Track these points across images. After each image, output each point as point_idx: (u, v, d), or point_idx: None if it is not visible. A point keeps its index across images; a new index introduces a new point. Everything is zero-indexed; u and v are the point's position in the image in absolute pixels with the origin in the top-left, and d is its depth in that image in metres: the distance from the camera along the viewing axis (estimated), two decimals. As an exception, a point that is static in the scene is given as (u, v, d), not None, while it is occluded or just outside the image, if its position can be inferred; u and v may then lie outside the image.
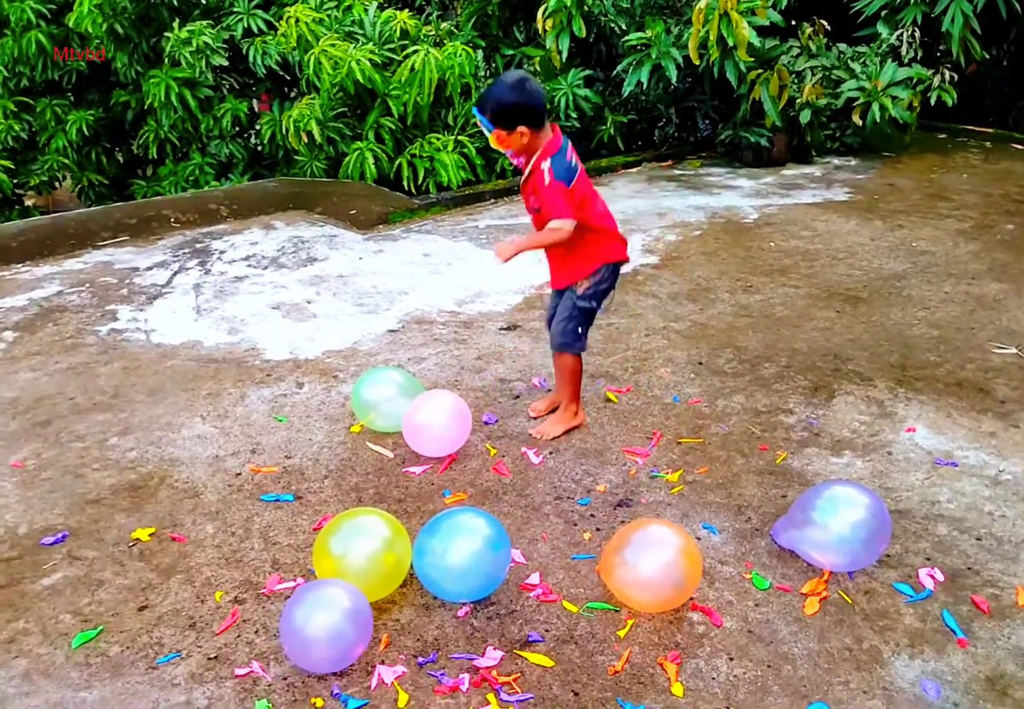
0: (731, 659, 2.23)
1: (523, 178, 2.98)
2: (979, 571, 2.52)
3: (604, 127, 7.20)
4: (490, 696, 2.12)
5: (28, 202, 8.62)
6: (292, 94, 7.97)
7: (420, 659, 2.24)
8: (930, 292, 4.53)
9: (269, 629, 2.34)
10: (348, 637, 2.16)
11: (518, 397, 3.54)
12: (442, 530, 2.40)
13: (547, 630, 2.34)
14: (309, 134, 6.53)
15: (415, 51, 6.42)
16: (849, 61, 6.91)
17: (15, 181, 8.04)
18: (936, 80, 6.92)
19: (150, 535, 2.73)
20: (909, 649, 2.26)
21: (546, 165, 2.85)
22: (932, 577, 2.50)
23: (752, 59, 6.39)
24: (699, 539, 2.68)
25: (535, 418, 3.37)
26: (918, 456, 3.08)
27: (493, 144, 2.90)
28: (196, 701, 2.12)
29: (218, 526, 2.77)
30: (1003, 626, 2.33)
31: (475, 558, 2.35)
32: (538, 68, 7.26)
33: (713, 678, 2.18)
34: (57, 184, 8.42)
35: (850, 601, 2.42)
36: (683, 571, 2.33)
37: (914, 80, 6.79)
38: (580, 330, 3.17)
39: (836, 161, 7.25)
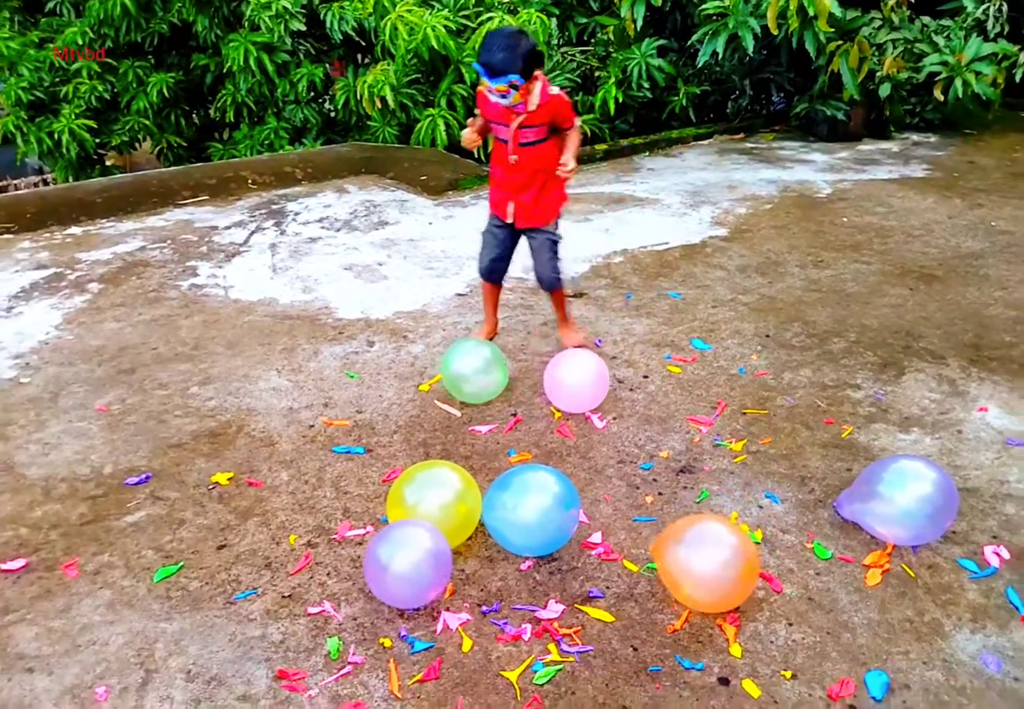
0: (790, 624, 2.26)
1: (517, 120, 3.07)
2: (1047, 551, 2.50)
3: (676, 98, 7.13)
4: (551, 646, 2.19)
5: (108, 162, 8.87)
6: (366, 60, 8.03)
7: (484, 608, 2.31)
8: (1008, 272, 4.42)
9: (340, 572, 2.44)
10: (429, 575, 2.25)
11: (584, 363, 3.58)
12: (514, 485, 2.46)
13: (607, 587, 2.39)
14: (383, 100, 6.59)
15: (489, 18, 6.42)
16: (932, 34, 6.71)
17: (97, 140, 8.27)
18: (1022, 56, 6.67)
19: (228, 479, 2.85)
20: (971, 623, 2.26)
21: (554, 89, 3.10)
22: (998, 555, 2.48)
23: (832, 30, 6.25)
24: (761, 508, 2.70)
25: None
26: (989, 435, 3.04)
27: (514, 101, 2.97)
28: (270, 635, 2.23)
29: (292, 474, 2.88)
30: (1069, 606, 2.31)
31: (545, 515, 2.40)
32: (612, 37, 7.20)
33: (771, 641, 2.21)
34: (137, 145, 8.64)
35: (913, 575, 2.42)
36: (738, 574, 2.23)
37: (999, 56, 6.57)
38: (561, 264, 3.44)
39: (915, 137, 7.06)
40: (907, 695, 2.04)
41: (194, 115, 8.90)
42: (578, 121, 3.19)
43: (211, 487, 2.82)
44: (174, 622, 2.28)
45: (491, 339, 3.66)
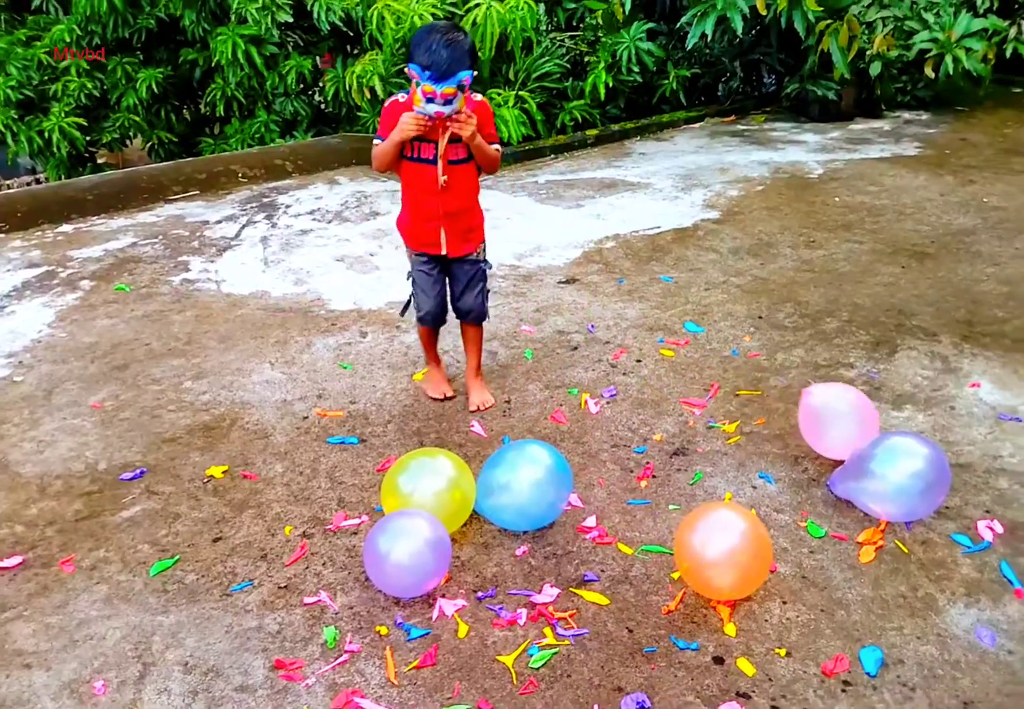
0: (784, 602, 2.27)
1: (447, 134, 2.66)
2: (1040, 524, 2.51)
3: (667, 81, 7.10)
4: (547, 630, 2.20)
5: (100, 159, 8.84)
6: (355, 51, 8.00)
7: (479, 594, 2.32)
8: (1000, 248, 4.41)
9: (336, 562, 2.45)
10: (430, 564, 2.26)
11: (576, 348, 3.58)
12: (506, 460, 2.48)
13: (602, 570, 2.40)
14: (372, 90, 6.57)
15: (477, 5, 6.39)
16: (922, 11, 6.68)
17: (88, 138, 8.25)
18: (1013, 32, 6.65)
19: (223, 472, 2.86)
20: (965, 598, 2.26)
21: (477, 95, 2.78)
22: (991, 529, 2.48)
23: (821, 9, 6.22)
24: (755, 488, 2.71)
25: (448, 398, 3.21)
26: (981, 411, 3.04)
27: (460, 107, 2.58)
28: (267, 626, 2.24)
29: (287, 465, 2.89)
30: (1062, 578, 2.32)
31: (537, 486, 2.43)
32: (600, 21, 7.17)
33: (766, 620, 2.22)
34: (128, 142, 8.62)
35: (906, 550, 2.43)
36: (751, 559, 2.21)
37: (989, 31, 6.54)
38: (487, 295, 3.10)
39: (907, 115, 7.04)
40: (901, 670, 2.05)
41: (184, 110, 8.87)
42: (498, 147, 2.83)
43: (206, 480, 2.83)
44: (171, 615, 2.29)
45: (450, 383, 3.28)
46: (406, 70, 2.57)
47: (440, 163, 2.72)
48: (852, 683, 2.02)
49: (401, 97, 2.73)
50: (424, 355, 3.32)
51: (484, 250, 3.02)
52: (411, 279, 3.05)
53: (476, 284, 3.03)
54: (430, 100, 2.52)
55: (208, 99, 8.05)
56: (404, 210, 2.94)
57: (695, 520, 2.28)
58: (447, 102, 2.53)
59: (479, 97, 2.78)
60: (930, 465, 2.44)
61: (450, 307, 3.11)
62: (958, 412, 3.05)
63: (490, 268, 3.07)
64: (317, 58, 7.99)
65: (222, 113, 7.99)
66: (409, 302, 3.13)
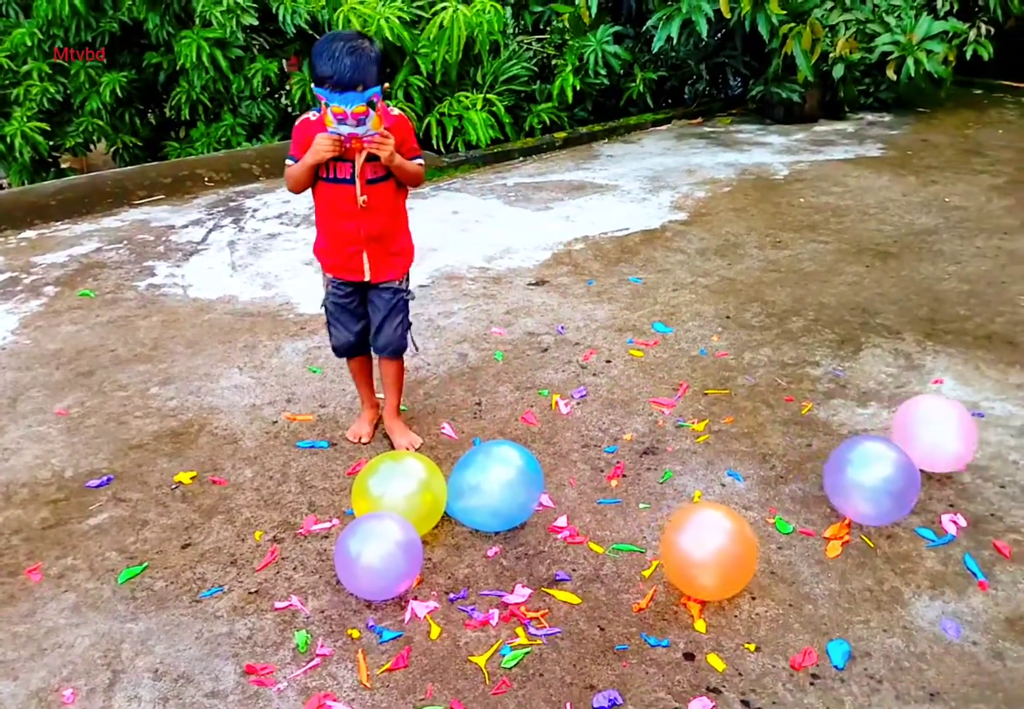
0: (753, 598, 2.29)
1: (365, 153, 2.46)
2: (1002, 517, 2.56)
3: (633, 84, 7.15)
4: (519, 630, 2.21)
5: (64, 164, 8.72)
6: (321, 54, 7.96)
7: (451, 595, 2.32)
8: (961, 247, 4.49)
9: (307, 566, 2.44)
10: (401, 567, 2.25)
11: (546, 350, 3.60)
12: (476, 461, 2.50)
13: (574, 569, 2.41)
14: (338, 93, 6.53)
15: (443, 8, 6.38)
16: (884, 14, 6.78)
17: (51, 143, 8.13)
18: (972, 34, 6.78)
19: (192, 478, 2.83)
20: (930, 591, 2.30)
21: (394, 109, 2.56)
22: (955, 523, 2.53)
23: (784, 12, 6.29)
24: (723, 486, 2.73)
25: (363, 443, 3.00)
26: (944, 407, 3.09)
27: (373, 127, 2.36)
28: (238, 632, 2.23)
29: (256, 470, 2.87)
30: (1024, 570, 2.37)
31: (508, 486, 2.45)
32: (567, 24, 7.20)
33: (735, 616, 2.24)
34: (92, 146, 8.50)
35: (872, 545, 2.47)
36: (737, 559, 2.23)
37: (950, 34, 6.66)
38: (408, 327, 2.87)
39: (869, 117, 7.14)
40: (868, 662, 2.08)
41: (149, 114, 8.77)
42: (421, 161, 2.65)
43: (174, 487, 2.80)
44: (140, 622, 2.26)
45: (376, 422, 3.05)
46: (320, 102, 2.34)
47: (358, 183, 2.52)
48: (820, 676, 2.05)
49: (312, 115, 2.50)
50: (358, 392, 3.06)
51: (408, 280, 2.81)
52: (324, 308, 2.83)
53: (396, 315, 2.78)
54: (341, 121, 2.31)
55: (173, 103, 7.96)
56: (321, 234, 2.72)
57: (685, 519, 2.28)
58: (359, 122, 2.32)
59: (396, 111, 2.57)
60: (900, 470, 2.45)
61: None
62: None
63: (412, 299, 2.83)
64: (283, 61, 7.94)
65: (187, 117, 7.91)
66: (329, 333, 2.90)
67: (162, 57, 7.91)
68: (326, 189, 2.58)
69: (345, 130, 2.34)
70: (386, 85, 2.38)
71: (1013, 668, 2.06)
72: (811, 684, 2.02)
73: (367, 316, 2.82)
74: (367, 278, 2.70)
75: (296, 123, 2.55)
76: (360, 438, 3.00)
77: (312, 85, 2.35)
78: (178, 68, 7.59)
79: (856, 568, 2.38)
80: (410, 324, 2.87)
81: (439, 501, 2.51)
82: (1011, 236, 4.60)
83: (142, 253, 4.67)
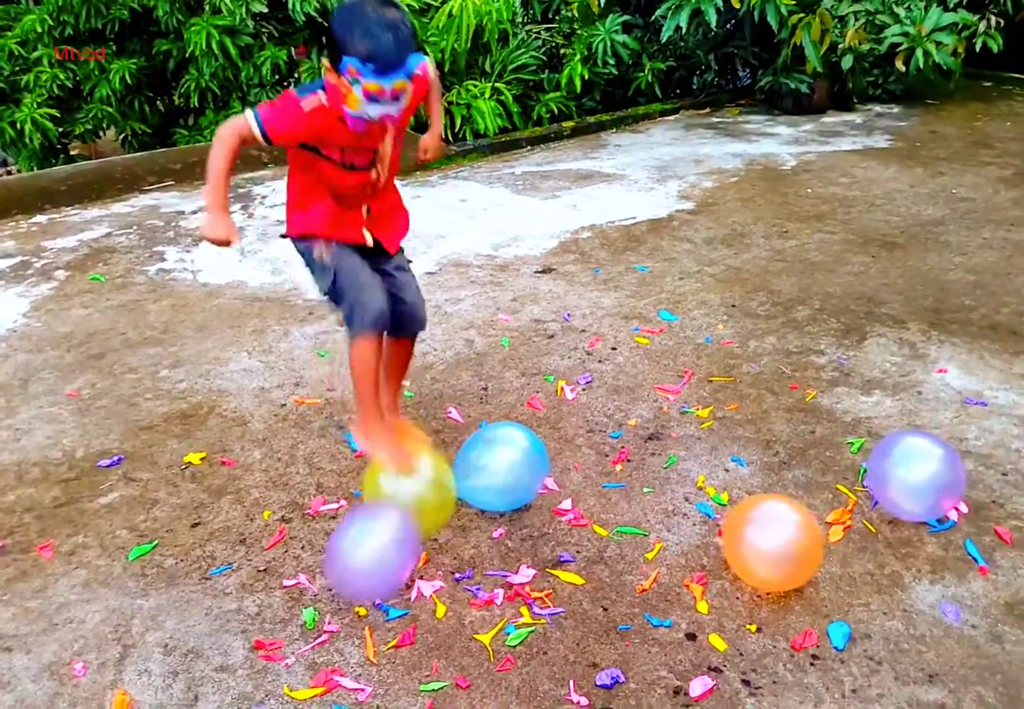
0: (755, 580, 2.32)
1: (390, 134, 2.26)
2: (1003, 504, 2.57)
3: (642, 74, 7.14)
4: (523, 609, 2.24)
5: (72, 151, 8.74)
6: (330, 42, 7.96)
7: (457, 575, 2.35)
8: (968, 238, 4.50)
9: (315, 545, 2.47)
10: (394, 565, 2.21)
11: (552, 336, 3.62)
12: (482, 442, 2.53)
13: (578, 551, 2.44)
14: (347, 81, 6.55)
15: (453, -4, 6.38)
16: (893, 5, 6.75)
17: (60, 130, 8.15)
18: (982, 26, 6.76)
19: (201, 459, 2.87)
20: (930, 575, 2.33)
21: (420, 57, 2.25)
22: (956, 509, 2.55)
23: (793, 3, 6.28)
24: (727, 471, 2.76)
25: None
26: (948, 396, 3.11)
27: (405, 103, 2.09)
28: (247, 608, 2.26)
29: (265, 452, 2.90)
30: (1024, 555, 2.39)
31: (514, 466, 2.48)
32: (576, 13, 7.19)
33: (737, 598, 2.27)
34: (101, 133, 8.52)
35: (874, 530, 2.49)
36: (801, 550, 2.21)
37: (959, 25, 6.64)
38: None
39: (878, 108, 7.13)
40: (868, 644, 2.11)
41: (158, 102, 8.78)
42: (434, 70, 2.38)
43: (184, 467, 2.84)
44: (150, 598, 2.30)
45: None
46: (324, 71, 2.05)
47: (382, 165, 2.29)
48: (820, 657, 2.07)
49: (316, 99, 2.08)
50: (359, 396, 2.44)
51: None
52: (334, 291, 2.33)
53: (415, 283, 2.50)
54: (374, 100, 1.99)
55: (182, 90, 7.97)
56: (312, 211, 2.29)
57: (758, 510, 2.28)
58: (396, 99, 2.01)
59: (421, 61, 2.26)
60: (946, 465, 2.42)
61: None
62: (925, 397, 3.12)
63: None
64: (292, 49, 7.95)
65: (196, 104, 7.91)
66: (332, 283, 2.34)
67: (171, 44, 7.92)
68: (331, 173, 2.23)
69: (375, 111, 2.02)
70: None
71: (1012, 651, 2.08)
72: (811, 664, 2.05)
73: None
74: (370, 243, 2.38)
75: (296, 98, 2.10)
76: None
77: (329, 59, 2.01)
78: (187, 55, 7.60)
79: (858, 552, 2.40)
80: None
81: (449, 499, 2.49)
82: (1018, 227, 4.60)
83: (152, 238, 4.70)
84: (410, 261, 2.59)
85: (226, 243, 2.18)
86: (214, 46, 7.22)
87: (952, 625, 2.16)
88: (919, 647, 2.10)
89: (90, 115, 8.08)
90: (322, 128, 2.11)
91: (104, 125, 8.38)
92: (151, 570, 2.40)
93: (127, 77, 7.88)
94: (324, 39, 2.04)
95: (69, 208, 5.17)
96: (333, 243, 2.33)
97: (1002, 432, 2.90)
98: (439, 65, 6.60)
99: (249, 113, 2.10)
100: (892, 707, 1.94)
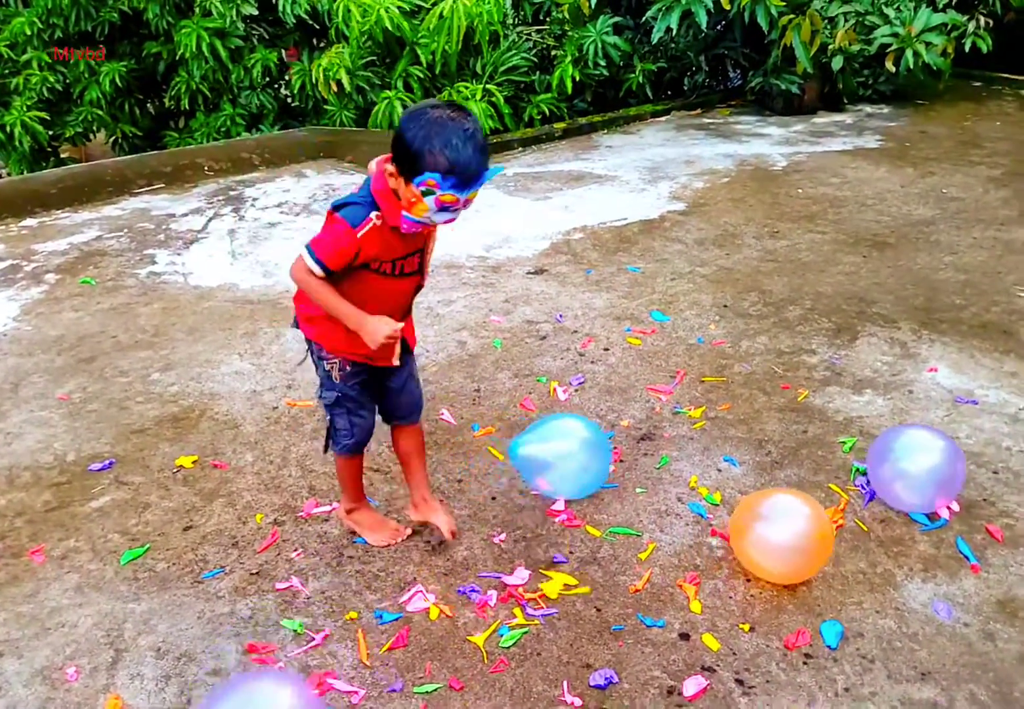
0: (748, 580, 2.32)
1: (433, 241, 2.20)
2: (995, 502, 2.58)
3: (633, 75, 7.16)
4: (516, 610, 2.24)
5: (62, 154, 8.73)
6: (321, 44, 7.97)
7: (450, 578, 2.35)
8: (958, 237, 4.52)
9: (307, 548, 2.47)
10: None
11: (544, 337, 3.62)
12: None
13: (571, 552, 2.44)
14: (339, 83, 6.55)
15: (443, -2, 6.39)
16: (883, 6, 6.79)
17: (51, 133, 8.13)
18: (971, 26, 6.80)
19: (193, 462, 2.86)
20: (922, 573, 2.33)
21: None
22: (948, 508, 2.56)
23: (783, 4, 6.31)
24: (719, 471, 2.76)
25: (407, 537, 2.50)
26: (939, 394, 3.12)
27: (456, 215, 1.96)
28: (239, 612, 2.26)
29: (257, 455, 2.89)
30: (1016, 554, 2.39)
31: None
32: (567, 15, 7.20)
33: (730, 597, 2.27)
34: (91, 136, 8.51)
35: (866, 529, 2.49)
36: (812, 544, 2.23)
37: (948, 26, 6.67)
38: None
39: (868, 109, 7.16)
40: (861, 643, 2.11)
41: (148, 104, 8.77)
42: None
43: (175, 471, 2.83)
44: (142, 602, 2.29)
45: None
46: (387, 175, 1.93)
47: (425, 265, 2.20)
48: (813, 656, 2.08)
49: (378, 220, 1.97)
50: (345, 493, 2.51)
51: None
52: (333, 403, 2.31)
53: (416, 376, 2.42)
54: (444, 209, 1.89)
55: (172, 93, 7.97)
56: (346, 328, 2.11)
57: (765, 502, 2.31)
58: (456, 209, 1.92)
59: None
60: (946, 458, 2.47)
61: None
62: (916, 396, 3.13)
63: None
64: (283, 51, 7.95)
65: (187, 107, 7.92)
66: (329, 436, 2.40)
67: (162, 47, 7.92)
68: (380, 283, 2.10)
69: (441, 218, 1.93)
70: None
71: (1004, 649, 2.09)
72: (804, 663, 2.06)
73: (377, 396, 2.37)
74: (396, 363, 2.20)
75: (348, 225, 1.96)
76: (400, 534, 2.48)
77: (399, 167, 1.88)
78: (177, 58, 7.60)
79: (850, 551, 2.41)
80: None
81: None
82: (1007, 227, 4.63)
83: (142, 241, 4.69)
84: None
85: (395, 334, 2.04)
86: (204, 48, 7.22)
87: (944, 623, 2.17)
88: (911, 645, 2.10)
89: (80, 118, 8.08)
90: (377, 247, 2.00)
91: (94, 128, 8.38)
92: (143, 574, 2.39)
93: (117, 80, 7.87)
94: (395, 146, 1.89)
95: (59, 211, 5.16)
96: (347, 364, 2.22)
97: (993, 430, 2.91)
98: (430, 67, 6.61)
99: (306, 254, 2.02)
100: (885, 705, 1.94)
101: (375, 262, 2.04)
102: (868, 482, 2.66)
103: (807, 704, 1.95)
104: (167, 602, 2.29)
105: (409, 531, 2.48)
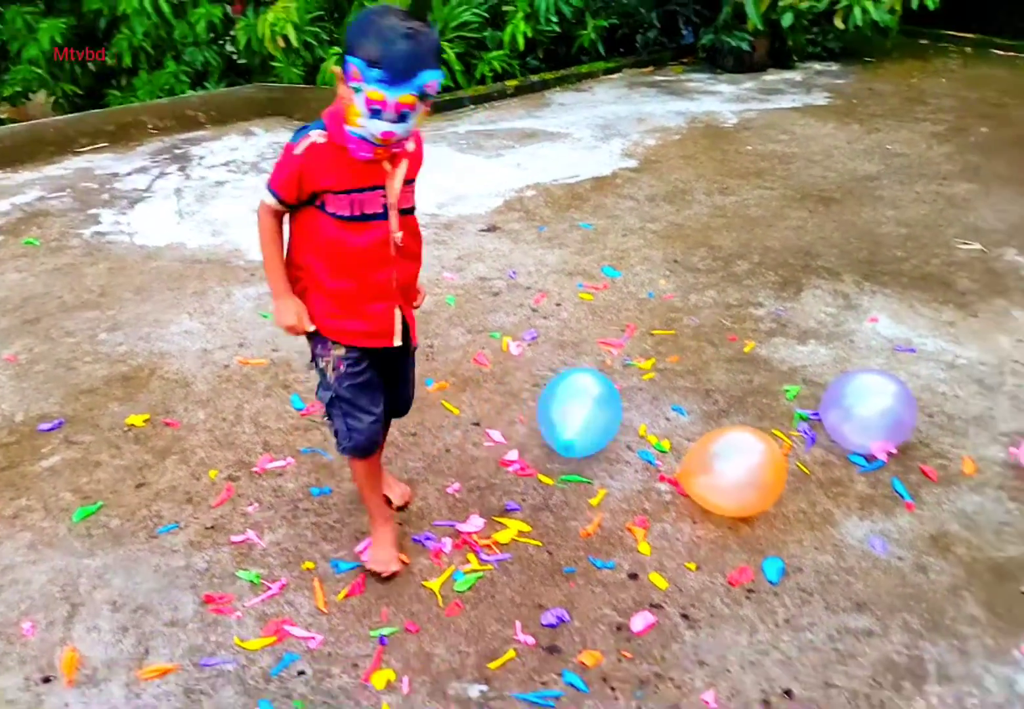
0: (695, 522, 2.40)
1: (401, 170, 1.91)
2: (929, 444, 2.69)
3: (585, 32, 7.10)
4: (471, 556, 2.29)
5: (1, 114, 8.44)
6: (266, -1, 7.77)
7: (405, 527, 2.39)
8: (901, 192, 4.61)
9: (263, 502, 2.49)
10: None
11: (497, 294, 3.64)
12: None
13: (524, 500, 2.49)
14: (285, 38, 6.41)
15: (391, -49, 6.26)
16: (833, -38, 6.80)
17: (-13, 92, 7.86)
18: (919, -18, 6.83)
19: (144, 421, 2.85)
20: (860, 512, 2.43)
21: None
22: (885, 450, 2.65)
23: (735, -41, 6.29)
24: (668, 420, 2.83)
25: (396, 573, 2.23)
26: (879, 343, 3.22)
27: (416, 125, 1.81)
28: (195, 564, 2.27)
29: (209, 412, 2.89)
30: (948, 492, 2.50)
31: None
32: (518, -30, 7.09)
33: (677, 538, 2.34)
34: (30, 95, 8.24)
35: (807, 472, 2.58)
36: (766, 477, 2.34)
37: (897, -18, 6.71)
38: None
39: (817, 66, 7.21)
40: (800, 577, 2.20)
41: (89, 63, 8.50)
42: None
43: (126, 429, 2.82)
44: (97, 558, 2.30)
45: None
46: (334, 70, 1.81)
47: (393, 215, 1.92)
48: (756, 591, 2.16)
49: (319, 136, 1.83)
50: (366, 505, 2.29)
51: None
52: (328, 404, 2.10)
53: (413, 372, 2.26)
54: (375, 113, 1.72)
55: (114, 50, 7.73)
56: (331, 294, 1.97)
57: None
58: (401, 117, 1.74)
59: (435, 79, 1.83)
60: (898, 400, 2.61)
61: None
62: (857, 345, 3.22)
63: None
64: (227, 6, 7.73)
65: (129, 64, 7.68)
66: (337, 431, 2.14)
67: (102, 3, 7.65)
68: (343, 231, 1.89)
69: (379, 128, 1.74)
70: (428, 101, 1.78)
71: (936, 580, 2.19)
72: (747, 598, 2.14)
73: (383, 389, 2.14)
74: (398, 342, 2.04)
75: (291, 145, 1.85)
76: (391, 565, 2.22)
77: (343, 59, 1.75)
78: (119, 14, 7.36)
79: (791, 493, 2.49)
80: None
81: None
82: (949, 181, 4.73)
83: (86, 201, 4.59)
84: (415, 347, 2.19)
85: (300, 332, 1.95)
86: (147, 4, 6.99)
87: (879, 558, 2.27)
88: (848, 579, 2.20)
89: (19, 77, 7.81)
90: (321, 166, 1.83)
91: (34, 87, 8.10)
92: (97, 531, 2.40)
93: (57, 37, 7.61)
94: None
95: (0, 172, 5.02)
96: (342, 362, 2.03)
97: (929, 377, 3.01)
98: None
99: (263, 187, 1.94)
100: (822, 634, 2.03)
101: (328, 196, 1.85)
102: (810, 428, 2.75)
103: (749, 635, 2.03)
104: (122, 557, 2.30)
105: (399, 568, 2.22)
